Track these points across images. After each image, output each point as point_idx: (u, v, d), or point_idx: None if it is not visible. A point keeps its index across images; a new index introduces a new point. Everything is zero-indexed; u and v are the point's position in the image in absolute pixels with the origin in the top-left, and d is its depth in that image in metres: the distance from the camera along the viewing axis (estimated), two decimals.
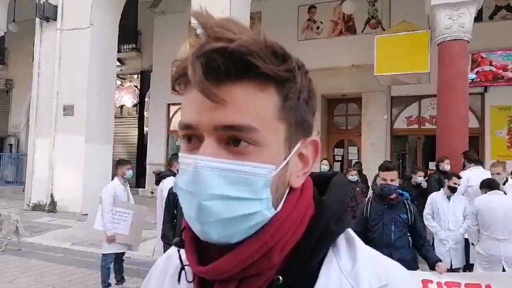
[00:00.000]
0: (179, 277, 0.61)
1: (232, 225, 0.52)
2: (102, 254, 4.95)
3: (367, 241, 3.64)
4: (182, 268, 0.60)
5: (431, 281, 3.37)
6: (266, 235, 0.53)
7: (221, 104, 0.51)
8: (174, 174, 4.78)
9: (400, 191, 3.77)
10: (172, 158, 5.18)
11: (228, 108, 0.51)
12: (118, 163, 5.21)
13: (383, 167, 3.73)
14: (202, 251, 0.57)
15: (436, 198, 5.09)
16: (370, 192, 7.77)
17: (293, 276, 0.55)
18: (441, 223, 4.97)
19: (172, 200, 3.94)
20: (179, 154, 0.57)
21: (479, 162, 6.01)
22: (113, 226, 4.81)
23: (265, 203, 0.53)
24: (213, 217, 0.52)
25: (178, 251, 0.61)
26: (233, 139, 0.52)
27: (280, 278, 0.54)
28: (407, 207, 3.62)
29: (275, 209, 0.55)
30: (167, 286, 0.66)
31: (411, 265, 3.48)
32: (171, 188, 4.07)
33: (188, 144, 0.56)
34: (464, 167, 6.07)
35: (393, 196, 3.59)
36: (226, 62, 0.50)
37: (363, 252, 0.59)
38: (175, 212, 3.87)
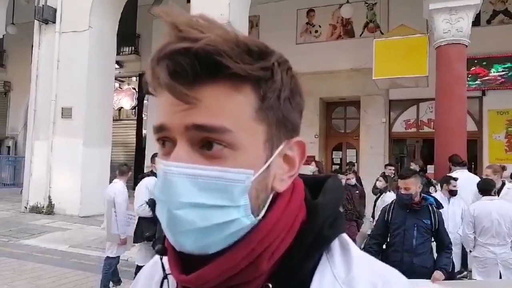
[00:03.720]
0: (161, 286, 0.58)
1: (207, 234, 0.49)
2: (108, 257, 4.90)
3: (388, 245, 3.61)
4: (165, 277, 0.57)
5: None
6: (253, 242, 0.50)
7: (192, 105, 0.48)
8: (154, 174, 4.71)
9: (424, 195, 3.71)
10: (152, 157, 4.90)
11: (200, 109, 0.48)
12: (124, 166, 5.26)
13: (399, 175, 3.70)
14: (186, 259, 0.53)
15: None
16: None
17: (284, 283, 0.52)
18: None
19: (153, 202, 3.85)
20: (156, 159, 0.54)
21: (463, 164, 6.03)
22: (125, 229, 4.81)
23: (243, 210, 0.49)
24: (186, 227, 0.48)
25: (161, 259, 0.57)
26: (206, 142, 0.49)
27: (270, 286, 0.51)
28: (431, 212, 3.53)
29: (257, 215, 0.51)
30: None
31: (433, 273, 3.37)
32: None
33: (163, 149, 0.53)
34: (450, 171, 6.11)
35: (416, 200, 3.53)
36: (192, 64, 0.47)
37: (359, 258, 0.55)
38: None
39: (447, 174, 5.83)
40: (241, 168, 0.49)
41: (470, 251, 4.64)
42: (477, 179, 5.60)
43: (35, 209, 10.15)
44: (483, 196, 4.46)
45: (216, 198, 0.48)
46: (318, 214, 0.55)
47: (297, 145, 0.56)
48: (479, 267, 4.38)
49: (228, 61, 0.47)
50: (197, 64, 0.47)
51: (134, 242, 4.54)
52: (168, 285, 0.57)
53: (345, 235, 0.58)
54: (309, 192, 0.59)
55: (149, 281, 0.64)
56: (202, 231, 0.49)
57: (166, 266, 0.57)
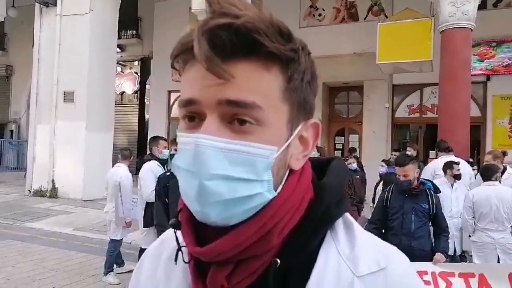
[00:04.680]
0: (176, 258, 0.60)
1: (232, 206, 0.51)
2: (112, 239, 4.96)
3: (386, 229, 3.65)
4: (179, 249, 0.59)
5: (426, 272, 3.38)
6: (265, 217, 0.52)
7: (226, 80, 0.50)
8: (156, 159, 4.67)
9: (422, 180, 3.75)
10: (150, 141, 4.76)
11: (233, 84, 0.50)
12: (127, 151, 5.24)
13: (396, 162, 3.73)
14: (199, 233, 0.56)
15: (439, 185, 5.08)
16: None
17: (291, 259, 0.54)
18: (444, 210, 4.98)
19: (163, 188, 3.73)
20: (178, 133, 0.55)
21: (449, 150, 6.02)
22: (130, 213, 4.85)
23: (266, 185, 0.52)
24: (214, 198, 0.50)
25: (175, 232, 0.59)
26: (237, 118, 0.51)
27: (278, 261, 0.53)
28: (429, 196, 3.59)
29: (275, 191, 0.54)
30: (162, 269, 0.64)
31: (431, 256, 3.45)
32: (162, 174, 3.89)
33: (189, 123, 0.54)
34: (437, 156, 6.12)
35: (414, 185, 3.56)
36: (231, 39, 0.49)
37: (362, 237, 0.58)
38: (167, 200, 3.69)
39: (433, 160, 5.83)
40: (266, 144, 0.52)
41: (469, 236, 4.67)
42: (464, 164, 5.62)
43: (39, 193, 10.25)
44: (484, 181, 4.46)
45: (243, 172, 0.51)
46: (325, 193, 0.58)
47: (312, 127, 0.59)
48: (477, 251, 4.43)
49: (264, 39, 0.49)
50: (236, 39, 0.49)
51: (144, 227, 4.56)
52: (183, 257, 0.58)
53: (348, 215, 0.61)
54: (314, 173, 0.62)
55: (156, 259, 0.66)
56: (228, 203, 0.51)
57: (180, 240, 0.58)
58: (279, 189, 0.54)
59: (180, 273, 0.61)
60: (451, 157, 5.89)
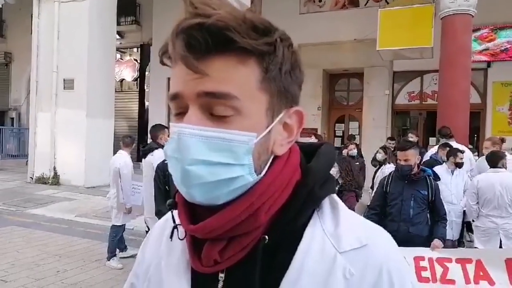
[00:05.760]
0: (172, 235, 0.65)
1: (215, 188, 0.56)
2: (113, 225, 5.06)
3: (385, 215, 3.68)
4: (175, 227, 0.64)
5: (423, 258, 3.42)
6: (253, 197, 0.57)
7: (203, 75, 0.54)
8: (162, 147, 4.67)
9: (422, 167, 3.77)
10: (155, 130, 4.73)
11: (210, 78, 0.54)
12: (128, 138, 5.29)
13: (398, 147, 3.74)
14: (194, 212, 0.61)
15: (440, 172, 5.05)
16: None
17: (279, 236, 0.59)
18: (444, 196, 5.01)
19: (162, 176, 3.73)
20: (170, 124, 0.60)
21: (450, 136, 6.06)
22: (130, 199, 4.92)
23: (247, 168, 0.56)
24: (197, 180, 0.55)
25: (172, 211, 0.65)
26: (216, 109, 0.55)
27: (266, 237, 0.58)
28: (428, 183, 3.61)
29: (259, 174, 0.58)
30: (164, 244, 0.70)
31: (428, 241, 3.49)
32: (160, 162, 3.90)
33: (177, 115, 0.59)
34: (437, 143, 6.18)
35: (414, 172, 3.59)
36: (205, 37, 0.53)
37: (346, 216, 0.62)
38: (167, 188, 3.70)
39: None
40: (245, 131, 0.56)
41: (473, 221, 4.73)
42: (464, 149, 5.67)
43: (41, 180, 10.32)
44: (490, 167, 4.50)
45: (223, 157, 0.55)
46: (310, 175, 0.62)
47: (295, 114, 0.62)
48: (480, 236, 4.49)
49: (236, 36, 0.53)
50: (209, 38, 0.53)
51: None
52: (178, 234, 0.64)
53: (335, 196, 0.65)
54: (305, 158, 0.66)
55: (161, 234, 0.73)
56: (211, 185, 0.56)
57: (177, 218, 0.64)
58: (263, 172, 0.59)
59: (180, 248, 0.66)
60: (453, 143, 5.93)
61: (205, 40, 0.53)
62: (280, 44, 0.56)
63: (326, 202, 0.63)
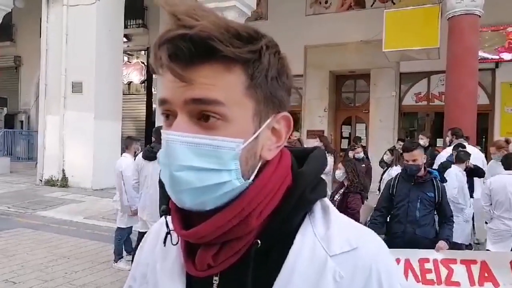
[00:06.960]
0: (165, 240, 0.66)
1: (203, 193, 0.57)
2: (118, 228, 5.10)
3: (391, 217, 3.67)
4: (168, 233, 0.65)
5: (428, 260, 3.40)
6: (244, 202, 0.58)
7: (190, 83, 0.55)
8: None
9: (429, 169, 3.76)
10: (156, 131, 4.72)
11: (197, 86, 0.55)
12: (127, 139, 5.31)
13: (403, 148, 3.74)
14: (188, 218, 0.62)
15: (460, 174, 4.93)
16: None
17: (271, 240, 0.60)
18: (465, 197, 4.85)
19: None
20: (161, 131, 0.61)
21: (466, 138, 5.94)
22: (135, 201, 4.95)
23: (234, 174, 0.57)
24: (184, 186, 0.56)
25: (165, 217, 0.66)
26: (203, 115, 0.56)
27: (259, 242, 0.59)
28: (435, 185, 3.59)
29: (248, 179, 0.59)
30: (159, 248, 0.71)
31: (434, 244, 3.47)
32: None
33: (166, 121, 0.60)
34: (450, 143, 6.00)
35: (421, 173, 3.58)
36: (188, 47, 0.54)
37: (337, 219, 0.63)
38: None
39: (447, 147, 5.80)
40: (232, 137, 0.57)
41: (486, 223, 4.71)
42: (475, 149, 5.62)
43: (50, 182, 10.43)
44: (505, 169, 4.47)
45: (210, 163, 0.56)
46: (301, 179, 0.63)
47: (283, 119, 0.63)
48: (493, 238, 4.48)
49: (219, 44, 0.54)
50: (193, 47, 0.54)
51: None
52: (171, 240, 0.65)
53: (326, 200, 0.66)
54: (296, 162, 0.67)
55: (156, 238, 0.74)
56: (199, 190, 0.57)
57: (170, 224, 0.65)
58: (252, 177, 0.60)
59: (175, 252, 0.68)
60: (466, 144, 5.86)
61: (189, 50, 0.54)
62: (265, 51, 0.57)
63: (317, 206, 0.64)
